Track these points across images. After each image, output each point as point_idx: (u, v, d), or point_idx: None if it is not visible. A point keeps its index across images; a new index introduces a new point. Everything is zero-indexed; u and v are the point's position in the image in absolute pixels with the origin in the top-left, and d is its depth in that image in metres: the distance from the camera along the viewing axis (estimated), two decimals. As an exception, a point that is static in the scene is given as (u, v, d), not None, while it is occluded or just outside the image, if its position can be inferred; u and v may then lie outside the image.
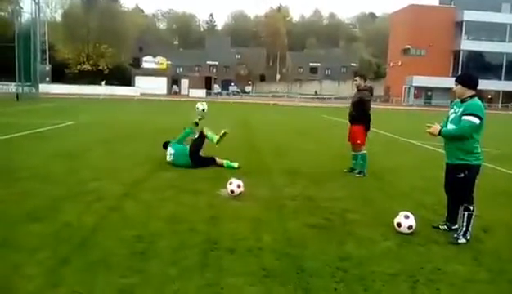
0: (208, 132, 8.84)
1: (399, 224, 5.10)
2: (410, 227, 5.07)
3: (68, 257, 4.04)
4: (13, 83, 36.99)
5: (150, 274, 3.77)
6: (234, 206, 5.99)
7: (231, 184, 6.42)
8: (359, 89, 8.42)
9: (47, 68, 54.80)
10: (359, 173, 8.39)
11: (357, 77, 8.47)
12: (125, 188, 6.74)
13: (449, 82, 63.35)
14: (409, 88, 64.90)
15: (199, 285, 3.60)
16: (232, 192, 6.38)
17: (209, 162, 8.67)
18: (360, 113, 8.27)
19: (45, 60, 52.62)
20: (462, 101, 5.03)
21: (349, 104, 8.69)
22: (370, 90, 8.57)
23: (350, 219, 5.60)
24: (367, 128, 8.31)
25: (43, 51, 49.16)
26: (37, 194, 6.16)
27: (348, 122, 8.65)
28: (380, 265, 4.18)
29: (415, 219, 5.13)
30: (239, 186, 6.41)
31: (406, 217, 5.11)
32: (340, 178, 8.24)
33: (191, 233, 4.83)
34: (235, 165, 8.62)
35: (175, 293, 3.47)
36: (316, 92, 78.45)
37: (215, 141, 8.76)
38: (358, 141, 8.34)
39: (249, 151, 11.04)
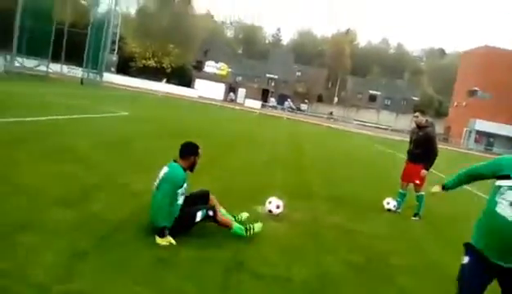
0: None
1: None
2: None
3: (87, 251, 3.83)
4: (80, 68, 38.64)
5: (165, 286, 3.48)
6: (269, 226, 5.58)
7: (270, 203, 6.05)
8: (420, 126, 7.73)
9: (114, 58, 57.00)
10: (415, 216, 7.72)
11: (418, 113, 7.79)
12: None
13: (514, 131, 60.32)
14: (470, 131, 61.87)
15: (215, 309, 3.26)
16: (270, 212, 6.01)
17: (205, 215, 4.81)
18: (424, 152, 7.58)
19: (114, 50, 54.73)
20: None
21: (408, 141, 8.07)
22: (432, 126, 7.92)
23: (393, 263, 5.07)
24: (428, 167, 7.60)
25: (113, 42, 51.08)
26: (74, 179, 6.08)
27: (406, 159, 8.04)
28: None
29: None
30: (278, 207, 6.02)
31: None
32: (385, 214, 7.65)
33: (218, 248, 4.50)
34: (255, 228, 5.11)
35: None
36: (331, 113, 76.53)
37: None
38: (417, 181, 7.68)
39: (296, 172, 10.61)
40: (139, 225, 4.70)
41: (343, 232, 5.98)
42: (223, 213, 5.14)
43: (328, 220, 6.43)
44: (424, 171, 7.56)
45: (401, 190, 8.02)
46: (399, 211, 7.88)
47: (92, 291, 3.19)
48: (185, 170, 4.83)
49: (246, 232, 4.90)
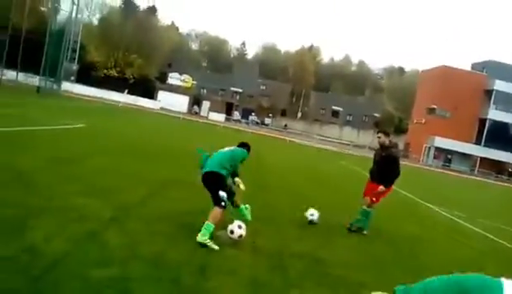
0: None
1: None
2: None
3: (16, 292, 3.23)
4: (37, 76, 36.98)
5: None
6: (231, 256, 5.10)
7: (231, 224, 5.56)
8: (384, 146, 7.66)
9: (74, 67, 55.14)
10: (361, 230, 7.58)
11: (380, 134, 7.75)
12: (114, 212, 5.90)
13: (471, 148, 62.52)
14: (429, 148, 63.61)
15: None
16: (232, 232, 5.50)
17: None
18: (387, 172, 7.48)
19: (74, 59, 52.97)
20: None
21: (371, 159, 7.95)
22: (396, 146, 7.81)
23: (365, 297, 4.69)
24: (387, 186, 7.47)
25: (74, 51, 49.45)
26: (11, 202, 5.37)
27: (368, 178, 7.84)
28: None
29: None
30: (240, 227, 5.53)
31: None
32: (354, 237, 7.33)
33: (174, 285, 3.97)
34: (248, 216, 6.47)
35: None
36: (286, 125, 77.60)
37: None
38: (374, 198, 7.57)
39: (259, 192, 10.17)
40: (83, 259, 4.11)
41: (312, 261, 5.55)
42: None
43: (295, 248, 5.99)
44: (381, 188, 7.43)
45: (364, 207, 7.75)
46: (365, 232, 7.60)
47: None
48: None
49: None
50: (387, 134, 7.79)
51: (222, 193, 5.46)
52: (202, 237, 5.18)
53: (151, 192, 7.64)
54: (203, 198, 7.02)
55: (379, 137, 7.73)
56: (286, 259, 5.44)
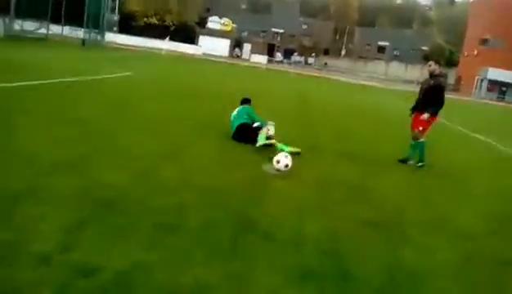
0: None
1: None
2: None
3: (89, 218, 3.67)
4: (81, 29, 37.81)
5: (171, 252, 3.31)
6: (278, 185, 5.41)
7: (278, 162, 5.84)
8: (433, 75, 7.62)
9: (116, 17, 55.76)
10: (419, 162, 7.64)
11: (431, 62, 7.77)
12: (167, 149, 6.35)
13: (529, 79, 58.78)
14: (482, 80, 60.54)
15: (223, 275, 3.09)
16: (278, 162, 5.79)
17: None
18: (432, 100, 7.42)
19: (114, 9, 53.44)
20: None
21: (418, 90, 7.86)
22: (445, 76, 7.68)
23: (406, 219, 4.89)
24: (431, 112, 7.44)
25: (113, 1, 49.80)
26: (76, 143, 5.88)
27: (410, 109, 7.82)
28: (438, 281, 3.51)
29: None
30: (286, 166, 5.81)
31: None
32: (399, 169, 7.44)
33: (226, 210, 4.32)
34: (293, 149, 7.00)
35: (194, 280, 2.97)
36: (326, 63, 75.40)
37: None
38: (420, 128, 7.56)
39: (304, 128, 10.35)
40: (141, 190, 4.52)
41: (355, 189, 5.78)
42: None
43: (339, 177, 6.22)
44: (426, 115, 7.42)
45: (412, 142, 7.79)
46: (412, 162, 7.69)
47: (94, 259, 3.03)
48: None
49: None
50: (438, 63, 7.85)
51: (256, 124, 7.38)
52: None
53: (199, 131, 8.00)
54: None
55: (429, 65, 7.77)
56: (331, 185, 5.69)
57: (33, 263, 2.87)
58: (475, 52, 63.23)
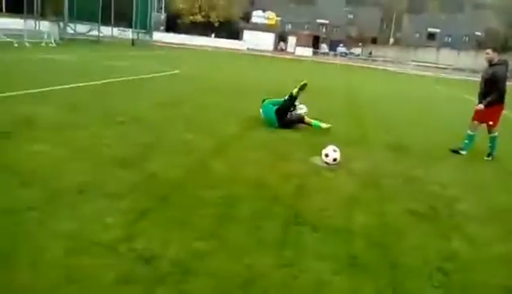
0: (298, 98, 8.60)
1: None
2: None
3: (148, 210, 3.91)
4: (130, 30, 39.11)
5: (225, 241, 3.49)
6: (326, 177, 5.48)
7: (327, 156, 5.90)
8: (492, 64, 7.32)
9: (162, 17, 57.23)
10: (488, 156, 7.47)
11: (489, 50, 7.38)
12: (216, 144, 6.55)
13: None
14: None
15: (274, 263, 3.22)
16: (327, 156, 5.87)
17: (297, 121, 8.32)
18: (492, 91, 7.19)
19: (161, 8, 54.81)
20: None
21: (471, 83, 7.63)
22: (506, 64, 7.35)
23: (459, 210, 4.81)
24: (486, 103, 7.21)
25: (159, 0, 51.09)
26: (131, 140, 6.20)
27: (477, 101, 7.54)
28: (490, 274, 3.46)
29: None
30: (335, 160, 5.87)
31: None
32: (452, 159, 7.28)
33: (276, 201, 4.45)
34: (324, 125, 8.27)
35: (247, 268, 3.12)
36: (370, 53, 73.11)
37: (294, 93, 8.41)
38: (490, 122, 7.34)
39: (351, 119, 10.30)
40: (197, 183, 4.74)
41: (405, 180, 5.73)
42: (312, 121, 8.33)
43: (388, 168, 6.19)
44: (480, 106, 7.25)
45: (469, 132, 7.61)
46: (464, 153, 7.51)
47: (156, 248, 3.25)
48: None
49: (319, 126, 8.17)
50: (495, 50, 7.46)
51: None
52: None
53: (245, 126, 8.17)
54: (293, 130, 7.46)
55: (487, 53, 7.43)
56: (380, 178, 5.67)
57: (100, 251, 3.13)
58: (534, 35, 59.66)
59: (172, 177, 4.83)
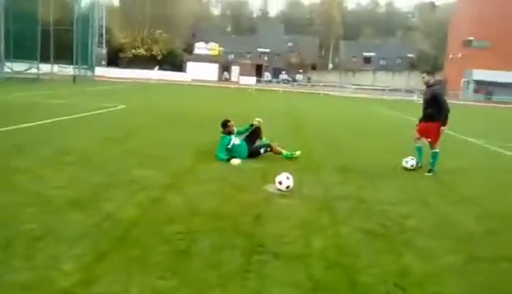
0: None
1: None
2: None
3: (106, 252, 3.84)
4: (71, 66, 38.24)
5: (188, 277, 3.50)
6: (281, 204, 5.62)
7: (280, 183, 6.08)
8: (429, 85, 8.11)
9: (104, 51, 56.52)
10: (429, 171, 8.02)
11: (424, 74, 8.23)
12: (170, 178, 6.54)
13: (514, 77, 59.76)
14: (468, 82, 61.47)
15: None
16: (280, 183, 6.04)
17: (266, 150, 8.48)
18: (436, 110, 7.92)
19: (102, 43, 54.19)
20: None
21: (407, 102, 8.30)
22: (440, 83, 8.14)
23: (409, 226, 5.09)
24: (443, 124, 7.90)
25: (100, 35, 50.59)
26: (82, 181, 6.07)
27: (420, 119, 8.30)
28: (444, 284, 3.70)
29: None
30: (287, 178, 6.07)
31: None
32: (396, 177, 7.68)
33: (235, 232, 4.51)
34: (297, 153, 8.51)
35: (214, 302, 3.16)
36: (309, 78, 76.91)
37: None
38: (429, 139, 8.05)
39: (299, 144, 10.59)
40: (153, 220, 4.71)
41: (356, 200, 5.99)
42: (283, 151, 8.48)
43: (339, 191, 6.45)
44: (442, 128, 7.88)
45: (416, 145, 8.33)
46: (420, 165, 8.21)
47: (117, 290, 3.21)
48: (228, 134, 8.19)
49: (291, 156, 8.36)
50: (429, 73, 8.31)
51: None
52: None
53: (198, 158, 8.20)
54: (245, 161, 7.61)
55: (423, 77, 8.20)
56: (332, 201, 5.90)
57: (61, 299, 3.05)
58: (459, 55, 64.32)
59: (129, 216, 4.78)
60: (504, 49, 58.94)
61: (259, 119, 8.72)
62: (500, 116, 31.37)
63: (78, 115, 13.51)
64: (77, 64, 37.43)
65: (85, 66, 38.48)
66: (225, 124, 8.27)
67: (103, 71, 50.44)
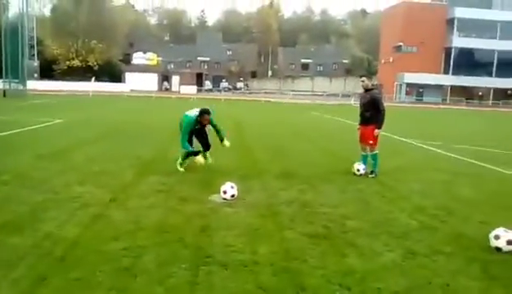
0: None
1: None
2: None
3: (46, 275, 3.68)
4: (0, 80, 36.11)
5: (135, 295, 3.43)
6: (226, 213, 5.65)
7: (225, 193, 6.12)
8: (367, 89, 8.33)
9: (35, 64, 53.85)
10: (371, 173, 8.31)
11: (364, 78, 8.44)
12: (111, 193, 6.35)
13: (440, 79, 63.88)
14: (400, 85, 64.82)
15: (189, 308, 3.27)
16: (225, 192, 6.08)
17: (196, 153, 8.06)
18: (373, 113, 8.19)
19: (33, 55, 51.67)
20: None
21: (345, 107, 8.59)
22: (378, 87, 8.49)
23: (350, 227, 5.29)
24: (379, 126, 8.20)
25: (31, 47, 48.20)
26: (18, 200, 5.77)
27: (359, 122, 8.54)
28: (385, 280, 3.88)
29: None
30: (232, 187, 6.12)
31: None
32: (337, 180, 7.93)
33: (180, 245, 4.48)
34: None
35: (162, 318, 3.12)
36: (247, 85, 79.39)
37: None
38: (370, 141, 8.29)
39: (241, 152, 10.69)
40: (95, 238, 4.57)
41: (299, 205, 6.14)
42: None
43: (283, 196, 6.58)
44: (376, 131, 8.16)
45: (362, 153, 8.56)
46: (373, 175, 8.32)
47: (60, 315, 3.09)
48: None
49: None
50: (369, 77, 8.58)
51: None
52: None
53: (140, 171, 8.05)
54: (189, 170, 7.57)
55: (362, 81, 8.41)
56: (276, 207, 6.01)
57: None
58: (391, 59, 67.60)
59: (70, 235, 4.60)
60: (429, 53, 62.83)
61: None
62: (430, 116, 33.31)
63: (11, 131, 12.81)
64: (7, 77, 35.37)
65: (16, 80, 36.39)
66: (206, 111, 8.05)
67: (36, 84, 47.96)
